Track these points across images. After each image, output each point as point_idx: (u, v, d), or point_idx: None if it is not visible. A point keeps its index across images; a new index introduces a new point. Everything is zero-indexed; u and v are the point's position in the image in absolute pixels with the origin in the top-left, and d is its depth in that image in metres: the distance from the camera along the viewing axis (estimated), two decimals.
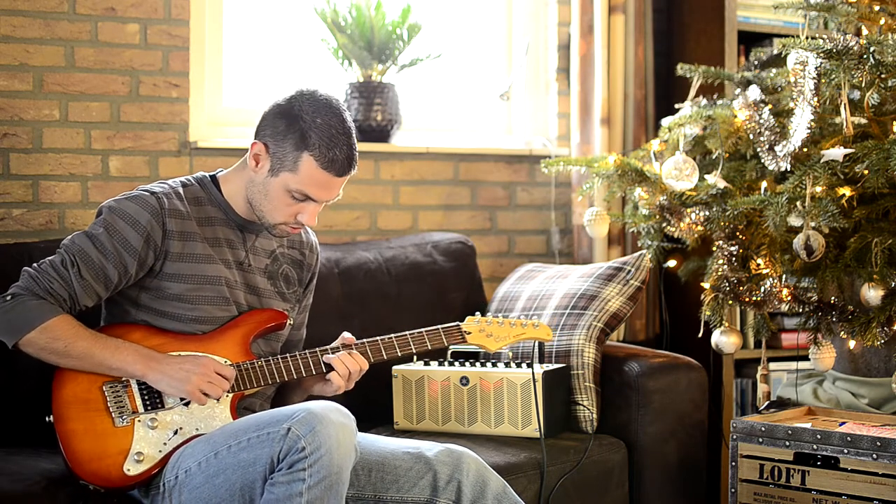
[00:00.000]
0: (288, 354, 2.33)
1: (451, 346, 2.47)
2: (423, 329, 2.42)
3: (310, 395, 2.45)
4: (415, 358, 2.83)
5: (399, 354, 2.39)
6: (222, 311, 2.32)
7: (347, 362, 2.32)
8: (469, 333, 2.45)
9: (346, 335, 2.39)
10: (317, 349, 2.35)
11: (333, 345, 2.37)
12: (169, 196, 2.30)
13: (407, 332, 2.41)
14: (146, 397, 2.23)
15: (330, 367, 2.33)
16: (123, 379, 2.23)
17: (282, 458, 2.01)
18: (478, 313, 2.50)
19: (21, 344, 2.18)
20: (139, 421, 2.21)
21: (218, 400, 2.24)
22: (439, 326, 2.44)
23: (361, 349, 2.36)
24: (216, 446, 2.11)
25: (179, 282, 2.28)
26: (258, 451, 2.04)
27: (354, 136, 2.28)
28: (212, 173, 2.41)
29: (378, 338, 2.39)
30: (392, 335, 2.40)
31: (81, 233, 2.26)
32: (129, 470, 2.17)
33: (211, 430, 2.22)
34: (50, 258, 2.24)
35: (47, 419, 2.21)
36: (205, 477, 2.10)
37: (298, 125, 2.23)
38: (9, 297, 2.19)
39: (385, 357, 2.38)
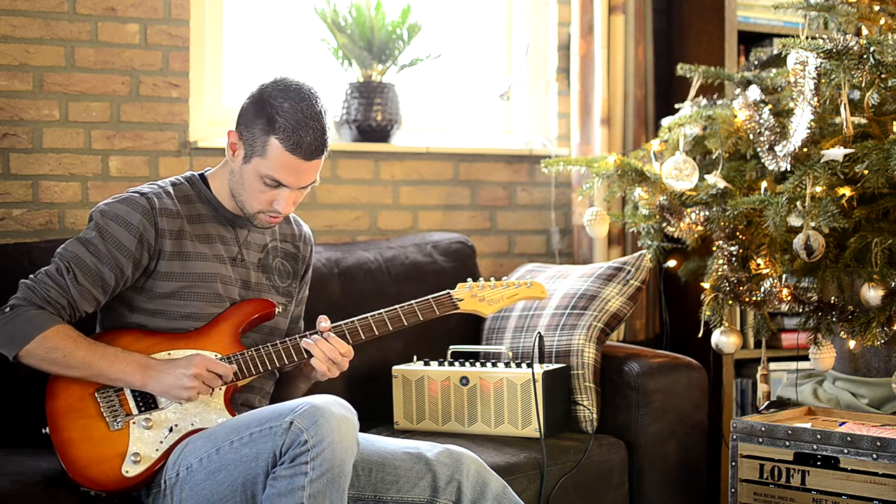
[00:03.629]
0: (278, 341, 2.33)
1: (444, 314, 2.39)
2: (412, 301, 2.39)
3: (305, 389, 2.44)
4: (415, 358, 2.83)
5: (391, 329, 2.36)
6: (215, 307, 2.32)
7: (324, 347, 2.30)
8: (461, 300, 2.43)
9: (322, 322, 2.34)
10: (306, 333, 2.34)
11: (318, 329, 2.35)
12: (159, 195, 2.30)
13: (397, 306, 2.38)
14: (139, 399, 2.23)
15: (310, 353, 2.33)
16: None
17: (284, 451, 2.01)
18: (469, 279, 2.48)
19: (21, 355, 2.18)
20: (133, 422, 2.21)
21: (210, 394, 2.24)
22: (430, 297, 2.41)
23: (352, 328, 2.35)
24: (217, 442, 2.11)
25: (172, 280, 2.28)
26: (260, 445, 2.04)
27: (325, 120, 2.27)
28: (200, 172, 2.42)
29: (368, 315, 2.36)
30: (382, 311, 2.37)
31: (74, 239, 2.27)
32: (127, 472, 2.17)
33: (207, 424, 2.23)
34: (45, 268, 2.24)
35: (43, 431, 2.21)
36: (206, 473, 2.10)
37: (266, 110, 2.24)
38: (7, 309, 2.20)
39: (377, 334, 2.35)
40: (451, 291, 2.43)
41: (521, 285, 2.47)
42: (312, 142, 2.25)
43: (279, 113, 2.23)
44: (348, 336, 2.35)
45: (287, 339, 2.34)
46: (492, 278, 2.50)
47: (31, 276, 2.24)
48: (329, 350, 2.30)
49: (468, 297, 2.44)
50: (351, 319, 2.37)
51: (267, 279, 2.43)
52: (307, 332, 2.35)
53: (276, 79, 2.29)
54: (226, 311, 2.34)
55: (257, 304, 2.37)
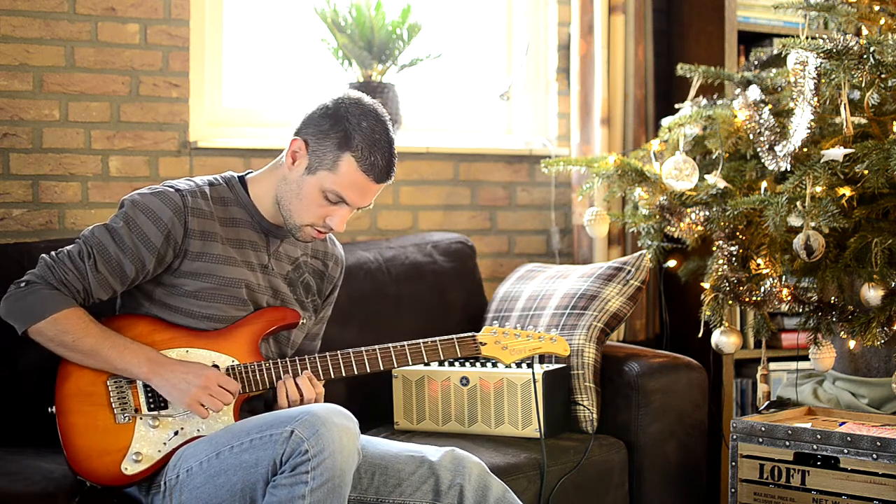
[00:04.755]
0: (297, 358, 2.32)
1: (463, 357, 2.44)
2: (436, 338, 2.38)
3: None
4: None
5: (410, 364, 2.36)
6: (238, 310, 2.31)
7: (304, 387, 2.28)
8: (484, 345, 2.42)
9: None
10: (326, 354, 2.33)
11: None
12: (193, 194, 2.28)
13: (420, 341, 2.37)
14: (150, 397, 2.22)
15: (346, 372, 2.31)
16: None
17: (284, 460, 2.00)
18: (496, 323, 2.47)
19: (31, 332, 2.18)
20: (140, 419, 2.21)
21: (220, 410, 2.22)
22: (454, 337, 2.40)
23: (372, 357, 2.33)
24: (218, 446, 2.11)
25: (196, 280, 2.26)
26: (261, 452, 2.04)
27: (394, 147, 2.27)
28: (241, 174, 2.39)
29: (390, 345, 2.36)
30: (405, 343, 2.36)
31: (101, 225, 2.25)
32: (126, 469, 2.17)
33: (213, 431, 2.22)
34: (68, 248, 2.24)
35: (49, 410, 2.21)
36: (206, 477, 2.10)
37: (343, 125, 2.22)
38: (23, 284, 2.20)
39: (396, 366, 2.35)
40: (476, 335, 2.42)
41: (545, 339, 2.47)
42: (385, 165, 2.24)
43: (357, 130, 2.21)
44: (367, 363, 2.34)
45: (307, 357, 2.32)
46: (518, 326, 2.49)
47: (53, 252, 2.23)
48: (307, 392, 2.27)
49: (492, 342, 2.43)
50: (373, 348, 2.35)
51: (293, 292, 2.41)
52: (327, 354, 2.33)
53: (351, 96, 2.27)
54: (249, 316, 2.32)
55: (282, 313, 2.35)
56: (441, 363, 2.75)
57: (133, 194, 2.27)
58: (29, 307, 2.17)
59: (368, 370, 2.34)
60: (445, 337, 2.40)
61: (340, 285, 2.57)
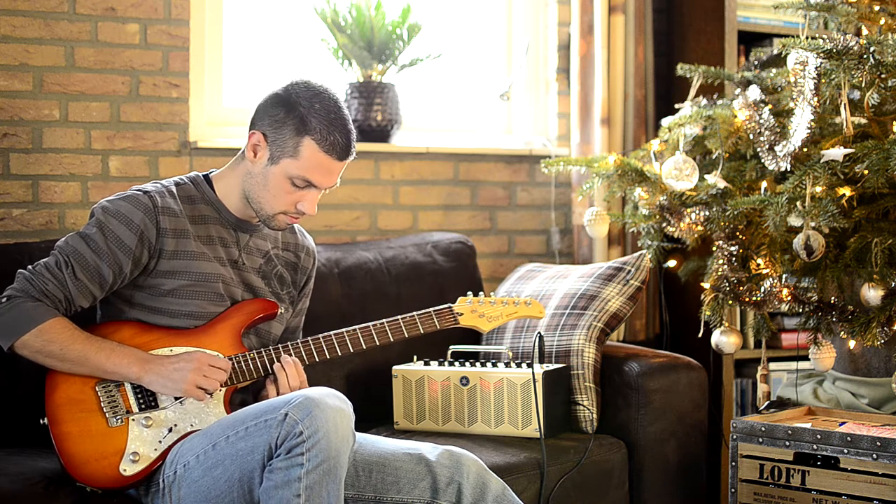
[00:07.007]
0: (280, 345, 2.34)
1: (443, 328, 2.44)
2: (414, 313, 2.42)
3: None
4: (415, 358, 2.83)
5: (391, 340, 2.39)
6: (216, 306, 2.32)
7: (290, 374, 2.30)
8: (461, 315, 2.45)
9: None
10: (308, 339, 2.36)
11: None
12: (162, 194, 2.30)
13: (398, 317, 2.41)
14: (140, 397, 2.23)
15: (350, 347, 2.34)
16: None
17: (280, 443, 2.01)
18: (469, 293, 2.49)
19: (16, 346, 2.18)
20: (133, 420, 2.21)
21: (211, 395, 2.24)
22: (431, 309, 2.44)
23: (353, 336, 2.36)
24: (214, 438, 2.11)
25: (173, 279, 2.28)
26: (256, 439, 2.04)
27: (351, 122, 2.30)
28: (205, 173, 2.42)
29: (370, 324, 2.39)
30: (384, 320, 2.40)
31: (75, 234, 2.27)
32: (125, 470, 2.17)
33: (206, 425, 2.23)
34: (44, 260, 2.24)
35: (41, 422, 2.21)
36: (203, 469, 2.10)
37: (298, 111, 2.25)
38: (4, 300, 2.19)
39: (378, 343, 2.38)
40: (452, 305, 2.46)
41: (520, 303, 2.51)
42: (345, 143, 2.27)
43: (312, 113, 2.24)
44: (349, 343, 2.36)
45: (290, 343, 2.35)
46: (492, 294, 2.51)
47: (30, 266, 2.24)
48: (292, 378, 2.30)
49: (468, 311, 2.47)
50: (353, 328, 2.38)
51: (267, 285, 2.43)
52: (309, 338, 2.36)
53: (298, 80, 2.30)
54: (228, 311, 2.33)
55: (260, 304, 2.37)
56: (441, 363, 2.76)
57: (102, 202, 2.29)
58: (13, 321, 2.17)
59: (351, 350, 2.37)
60: (422, 311, 2.43)
61: (314, 276, 2.60)
